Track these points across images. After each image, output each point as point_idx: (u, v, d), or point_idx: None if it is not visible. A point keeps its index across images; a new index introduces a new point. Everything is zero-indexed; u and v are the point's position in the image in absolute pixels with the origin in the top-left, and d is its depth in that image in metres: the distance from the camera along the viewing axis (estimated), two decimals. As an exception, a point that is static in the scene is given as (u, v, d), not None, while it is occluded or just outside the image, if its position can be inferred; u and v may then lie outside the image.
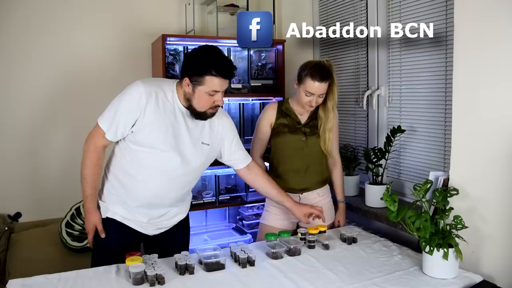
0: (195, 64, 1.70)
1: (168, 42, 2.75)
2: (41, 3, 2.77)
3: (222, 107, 1.88)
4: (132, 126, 1.71)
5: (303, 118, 2.20)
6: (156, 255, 1.73)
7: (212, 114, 1.78)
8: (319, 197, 2.22)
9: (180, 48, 2.81)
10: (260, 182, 2.03)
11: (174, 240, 1.93)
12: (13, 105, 2.75)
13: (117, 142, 1.79)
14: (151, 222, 1.85)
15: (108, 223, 1.81)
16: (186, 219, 2.01)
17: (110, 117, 1.71)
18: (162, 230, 1.90)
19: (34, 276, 1.60)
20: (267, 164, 2.34)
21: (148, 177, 1.76)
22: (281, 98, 2.86)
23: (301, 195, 2.19)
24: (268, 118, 2.22)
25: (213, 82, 1.68)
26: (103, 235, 1.80)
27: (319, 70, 2.04)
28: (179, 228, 1.96)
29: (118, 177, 1.80)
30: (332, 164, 2.28)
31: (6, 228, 2.56)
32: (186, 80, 1.71)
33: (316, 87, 2.04)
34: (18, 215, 2.60)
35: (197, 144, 1.81)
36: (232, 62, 1.74)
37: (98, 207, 1.83)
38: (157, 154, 1.73)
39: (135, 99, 1.69)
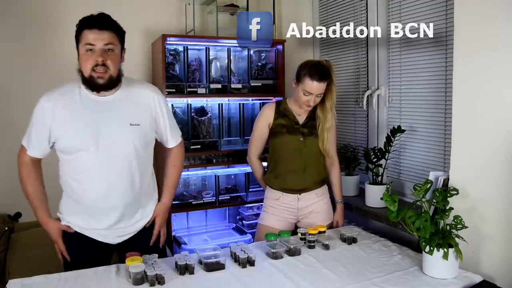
0: (76, 29, 1.69)
1: (168, 42, 2.75)
2: (44, 2, 2.78)
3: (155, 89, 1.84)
4: (50, 138, 1.71)
5: (301, 119, 2.20)
6: (156, 255, 1.73)
7: (103, 80, 1.67)
8: (317, 197, 2.22)
9: (180, 48, 2.81)
10: (169, 165, 1.98)
11: (142, 246, 1.83)
12: (15, 106, 2.75)
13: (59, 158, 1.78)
14: (110, 230, 1.79)
15: (67, 235, 1.79)
16: (153, 224, 1.91)
17: (28, 133, 1.76)
18: (125, 238, 1.83)
19: (34, 276, 1.61)
20: (265, 164, 2.34)
21: (89, 181, 1.72)
22: (281, 98, 2.85)
23: (299, 195, 2.19)
24: (266, 119, 2.21)
25: (88, 36, 1.65)
26: (66, 255, 1.77)
27: (318, 70, 2.05)
28: (145, 234, 1.88)
29: (66, 188, 1.78)
30: (330, 164, 2.28)
31: (6, 228, 2.56)
32: (77, 49, 1.71)
33: (315, 86, 2.04)
34: (18, 215, 2.60)
35: (125, 127, 1.74)
36: (108, 16, 1.71)
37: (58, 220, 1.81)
38: (87, 154, 1.69)
39: (42, 110, 1.71)
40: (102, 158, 1.71)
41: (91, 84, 1.68)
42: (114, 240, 1.82)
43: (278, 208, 2.20)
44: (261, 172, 2.33)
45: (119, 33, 1.72)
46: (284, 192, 2.19)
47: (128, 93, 1.78)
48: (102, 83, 1.68)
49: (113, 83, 1.71)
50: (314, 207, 2.21)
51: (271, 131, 2.21)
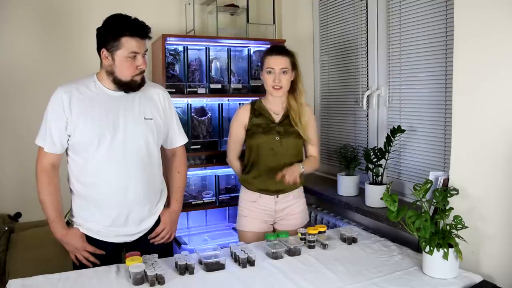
0: (108, 31, 1.71)
1: (168, 42, 2.75)
2: (48, 7, 2.78)
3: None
4: (66, 129, 1.71)
5: (277, 118, 2.18)
6: (156, 255, 1.73)
7: (142, 81, 1.77)
8: (294, 199, 2.20)
9: (180, 48, 2.81)
10: (172, 171, 2.00)
11: (156, 246, 1.89)
12: (13, 105, 2.75)
13: (67, 159, 1.79)
14: (126, 227, 1.80)
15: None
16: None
17: (43, 131, 1.74)
18: (139, 235, 1.85)
19: (34, 276, 1.61)
20: None
21: (106, 173, 1.73)
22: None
23: (276, 198, 2.16)
24: (241, 120, 2.19)
25: (130, 44, 1.69)
26: (99, 252, 1.77)
27: (274, 46, 2.17)
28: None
29: (77, 188, 1.78)
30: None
31: (6, 228, 2.56)
32: (104, 52, 1.72)
33: (275, 60, 2.08)
34: (18, 215, 2.60)
35: (139, 121, 1.79)
36: (144, 22, 1.75)
37: (69, 225, 1.81)
38: (103, 147, 1.71)
39: (58, 103, 1.70)
40: (118, 151, 1.73)
41: (129, 86, 1.75)
42: (129, 238, 1.84)
43: (254, 211, 2.17)
44: (241, 171, 2.27)
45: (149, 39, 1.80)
46: (262, 193, 2.16)
47: (139, 90, 1.82)
48: (140, 83, 1.77)
49: (144, 83, 1.80)
50: (290, 209, 2.19)
51: (248, 132, 2.18)
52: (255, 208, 2.18)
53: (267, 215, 2.19)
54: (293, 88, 2.17)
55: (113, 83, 1.75)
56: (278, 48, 2.13)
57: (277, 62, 2.08)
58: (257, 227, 2.18)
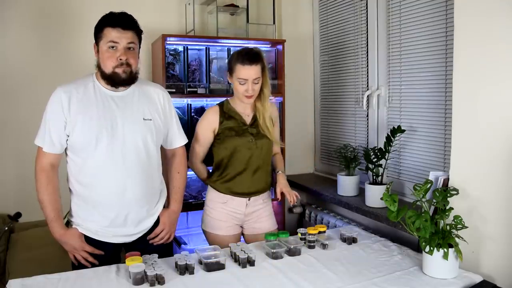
0: (96, 25, 1.74)
1: (168, 42, 2.75)
2: (49, 8, 2.79)
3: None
4: (65, 129, 1.71)
5: (248, 119, 2.13)
6: (156, 255, 1.73)
7: (126, 74, 1.72)
8: (263, 203, 2.17)
9: (180, 48, 2.81)
10: (172, 171, 1.98)
11: (155, 246, 1.88)
12: (13, 105, 2.75)
13: (66, 159, 1.80)
14: (125, 227, 1.80)
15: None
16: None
17: (42, 131, 1.74)
18: (138, 236, 1.84)
19: (34, 276, 1.61)
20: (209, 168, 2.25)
21: (104, 174, 1.73)
22: (281, 99, 2.86)
23: (248, 201, 2.12)
24: (210, 124, 2.11)
25: (111, 34, 1.69)
26: (98, 252, 1.77)
27: (247, 54, 2.02)
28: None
29: (76, 188, 1.78)
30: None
31: (6, 228, 2.56)
32: (95, 47, 1.75)
33: (247, 70, 1.99)
34: (18, 215, 2.60)
35: (138, 122, 1.78)
36: (132, 16, 1.76)
37: (68, 225, 1.81)
38: (101, 148, 1.71)
39: (57, 103, 1.71)
40: (116, 151, 1.73)
41: (113, 79, 1.73)
42: (128, 239, 1.83)
43: (224, 212, 2.11)
44: (206, 174, 2.23)
45: (139, 33, 1.78)
46: (234, 195, 2.10)
47: (139, 90, 1.83)
48: (125, 77, 1.73)
49: (133, 78, 1.77)
50: (259, 213, 2.16)
51: (218, 136, 2.11)
52: (225, 210, 2.11)
53: (236, 219, 2.13)
54: (260, 91, 2.09)
55: (102, 78, 1.75)
56: (249, 57, 2.00)
57: (250, 73, 1.99)
58: (228, 231, 2.11)
